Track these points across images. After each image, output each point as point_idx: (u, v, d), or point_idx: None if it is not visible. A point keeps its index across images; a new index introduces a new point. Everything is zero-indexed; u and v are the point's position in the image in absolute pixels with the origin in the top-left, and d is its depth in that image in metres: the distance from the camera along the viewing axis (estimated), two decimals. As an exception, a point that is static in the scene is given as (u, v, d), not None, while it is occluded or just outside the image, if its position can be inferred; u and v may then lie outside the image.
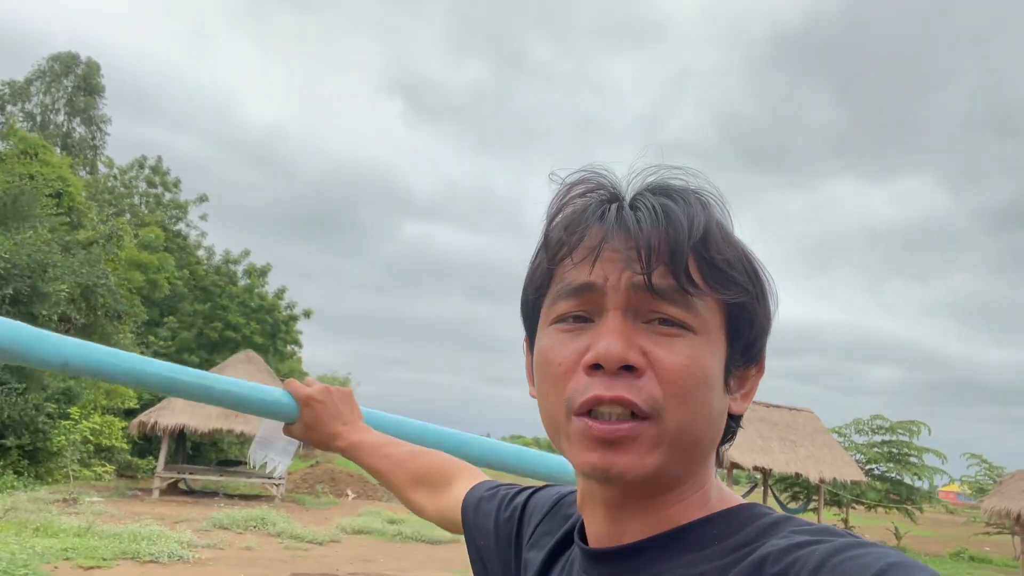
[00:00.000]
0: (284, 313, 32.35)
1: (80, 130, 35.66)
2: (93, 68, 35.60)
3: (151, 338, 26.01)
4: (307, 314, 33.79)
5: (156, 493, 17.06)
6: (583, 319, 0.62)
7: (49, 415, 17.04)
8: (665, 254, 0.60)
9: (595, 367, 0.59)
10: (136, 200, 33.57)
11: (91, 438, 17.50)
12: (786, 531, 0.58)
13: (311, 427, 1.16)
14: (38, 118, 33.97)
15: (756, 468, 19.83)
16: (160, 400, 20.13)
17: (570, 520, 0.77)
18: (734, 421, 0.68)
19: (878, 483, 23.09)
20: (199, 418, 17.60)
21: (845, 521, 22.08)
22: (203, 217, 35.26)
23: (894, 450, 23.67)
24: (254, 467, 1.12)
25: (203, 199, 35.28)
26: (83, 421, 17.09)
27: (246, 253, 32.74)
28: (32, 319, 16.96)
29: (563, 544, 0.75)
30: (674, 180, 0.65)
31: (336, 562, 10.41)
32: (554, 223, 0.65)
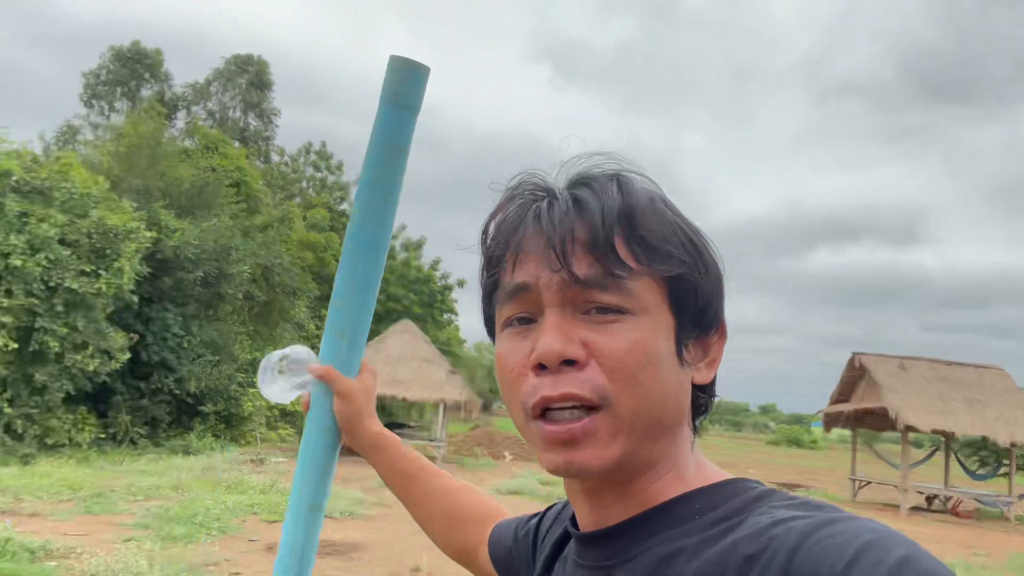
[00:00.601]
0: (439, 284, 33.80)
1: (254, 123, 38.82)
2: (263, 66, 38.55)
3: (324, 311, 28.24)
4: (460, 284, 35.04)
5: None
6: (528, 320, 0.64)
7: (240, 384, 19.05)
8: (585, 242, 0.61)
9: (541, 367, 0.61)
10: (304, 184, 36.23)
11: (268, 404, 19.39)
12: (768, 505, 0.58)
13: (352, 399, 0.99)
14: (217, 115, 37.37)
15: (935, 431, 18.31)
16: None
17: (569, 517, 0.80)
18: (703, 391, 0.68)
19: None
20: (366, 385, 18.93)
21: (1045, 489, 19.88)
22: (363, 196, 37.42)
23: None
24: (260, 387, 1.01)
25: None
26: (264, 389, 18.96)
27: (403, 228, 34.46)
28: (220, 298, 18.97)
29: (564, 539, 0.78)
30: (594, 168, 0.66)
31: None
32: (488, 232, 0.67)
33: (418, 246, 34.52)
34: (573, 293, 0.61)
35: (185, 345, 17.85)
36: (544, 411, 0.61)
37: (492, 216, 0.67)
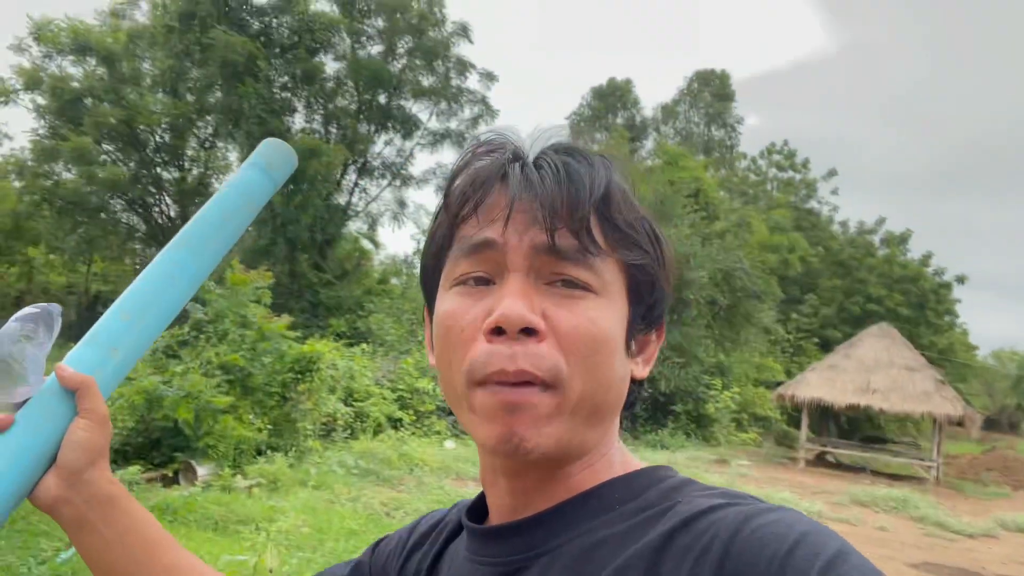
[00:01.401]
0: (932, 281, 29.43)
1: (718, 134, 39.78)
2: (724, 79, 39.35)
3: (792, 315, 27.14)
4: (960, 280, 29.97)
5: (802, 463, 17.71)
6: (484, 281, 0.61)
7: (706, 386, 19.59)
8: (567, 214, 0.58)
9: (496, 331, 0.57)
10: (768, 186, 35.57)
11: (739, 407, 19.37)
12: (690, 494, 0.57)
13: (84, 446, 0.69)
14: (683, 132, 39.34)
15: None
16: (799, 374, 20.86)
17: (456, 520, 0.74)
18: (637, 386, 0.66)
19: None
20: (834, 392, 17.57)
21: None
22: (834, 192, 35.01)
23: None
24: None
25: (832, 173, 35.05)
26: (724, 392, 19.09)
27: (881, 221, 31.06)
28: (684, 303, 19.84)
29: (449, 540, 0.73)
30: (575, 141, 0.64)
31: (984, 558, 9.05)
32: (456, 182, 0.63)
33: (902, 240, 30.67)
34: (542, 261, 0.59)
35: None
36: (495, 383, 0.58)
37: (460, 167, 0.64)
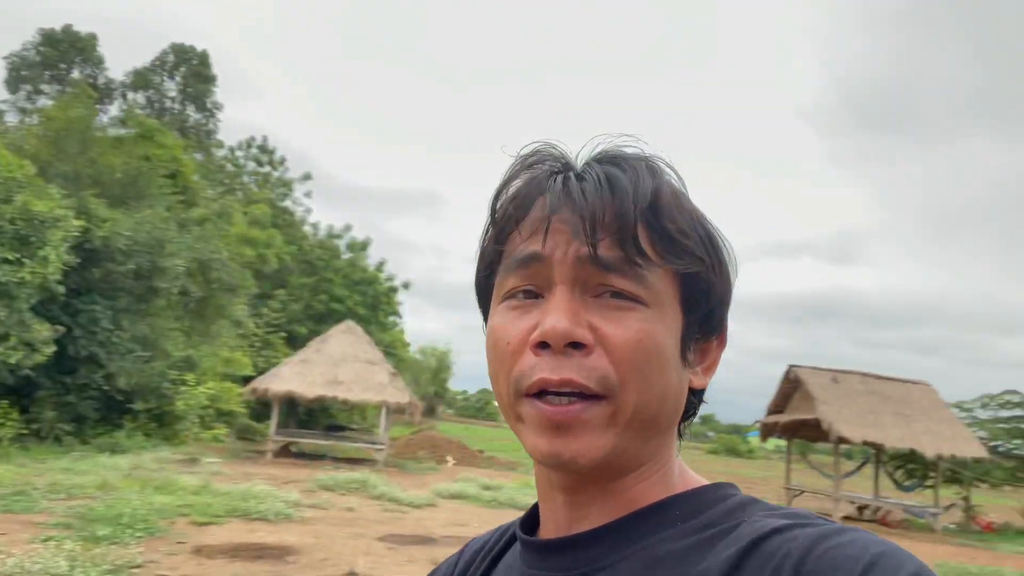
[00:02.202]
0: (384, 285, 33.36)
1: (195, 115, 37.72)
2: (205, 59, 37.50)
3: (264, 310, 27.47)
4: (406, 286, 34.75)
5: (269, 455, 18.07)
6: (533, 295, 0.60)
7: (172, 381, 18.31)
8: (612, 224, 0.57)
9: (542, 345, 0.57)
10: (245, 179, 35.32)
11: (209, 403, 18.68)
12: (756, 513, 0.56)
13: None
14: (156, 105, 36.17)
15: (866, 443, 18.87)
16: (271, 368, 21.24)
17: (508, 534, 0.73)
18: (696, 396, 0.65)
19: (1005, 461, 21.48)
20: (305, 385, 18.45)
21: (967, 499, 20.71)
22: (308, 194, 36.77)
23: (1023, 426, 21.92)
24: None
25: (307, 177, 36.74)
26: (197, 387, 18.24)
27: (348, 228, 33.90)
28: (153, 292, 18.22)
29: (496, 560, 0.71)
30: (626, 148, 0.63)
31: (431, 525, 10.70)
32: (501, 197, 0.63)
33: (363, 247, 34.00)
34: (587, 273, 0.58)
35: (115, 340, 17.05)
36: (540, 392, 0.57)
37: (506, 181, 0.63)
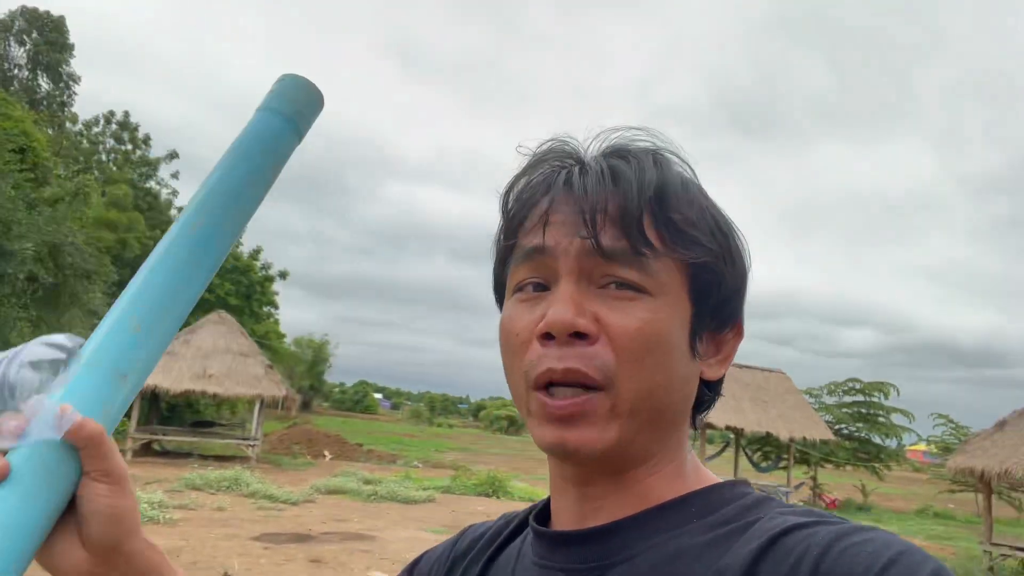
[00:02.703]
0: (260, 274, 32.00)
1: (46, 86, 34.54)
2: (61, 25, 34.36)
3: (122, 299, 25.58)
4: (283, 275, 33.50)
5: (129, 454, 16.95)
6: (542, 287, 0.61)
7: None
8: (615, 215, 0.58)
9: (548, 336, 0.58)
10: (104, 157, 32.75)
11: (61, 399, 17.27)
12: (772, 511, 0.57)
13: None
14: (2, 73, 32.83)
15: (728, 427, 20.12)
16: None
17: (514, 523, 0.74)
18: (709, 388, 0.65)
19: (847, 442, 23.56)
20: (171, 379, 17.43)
21: (814, 479, 22.55)
22: (175, 175, 34.59)
23: (863, 410, 24.13)
24: None
25: (173, 156, 34.54)
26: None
27: (219, 213, 32.21)
28: (-3, 278, 16.60)
29: (501, 548, 0.71)
30: (634, 141, 0.63)
31: (309, 522, 10.43)
32: (511, 194, 0.65)
33: (236, 233, 32.45)
34: (592, 263, 0.59)
35: (-52, 330, 15.41)
36: (547, 385, 0.58)
37: (517, 178, 0.65)
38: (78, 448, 0.52)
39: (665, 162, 0.62)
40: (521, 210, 0.63)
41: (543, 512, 0.69)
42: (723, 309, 0.63)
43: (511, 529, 0.73)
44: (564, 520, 0.64)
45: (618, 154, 0.62)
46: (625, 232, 0.58)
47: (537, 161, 0.65)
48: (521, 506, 0.77)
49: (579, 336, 0.57)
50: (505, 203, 0.65)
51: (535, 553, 0.65)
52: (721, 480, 0.64)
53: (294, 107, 0.69)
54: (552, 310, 0.58)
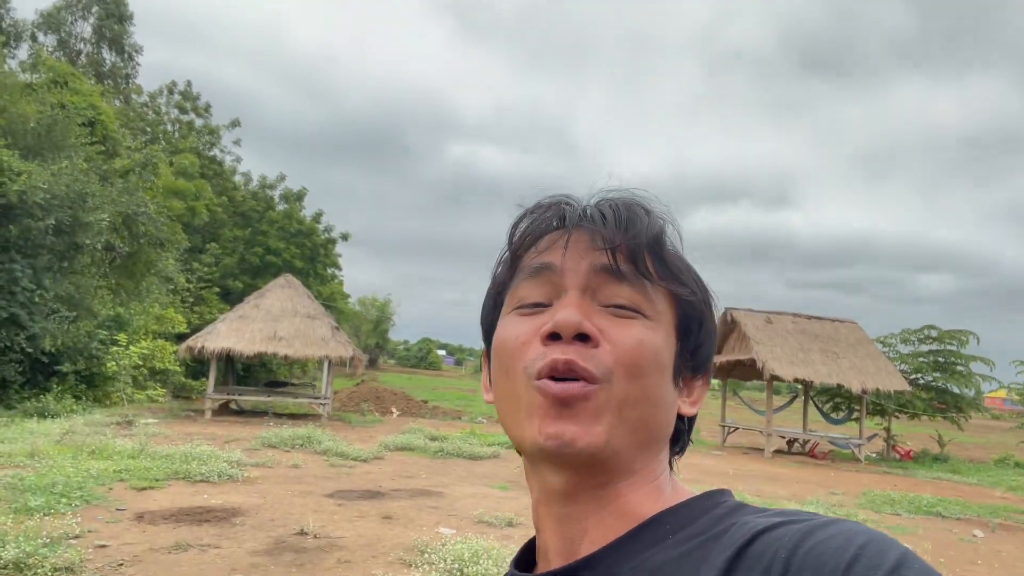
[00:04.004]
0: (322, 236, 32.61)
1: (111, 59, 35.48)
2: (119, -6, 35.04)
3: (195, 265, 26.54)
4: (344, 237, 34.04)
5: (208, 414, 17.71)
6: (543, 306, 0.64)
7: (102, 341, 17.63)
8: (624, 247, 0.63)
9: (552, 337, 0.61)
10: (168, 127, 33.63)
11: (141, 363, 18.08)
12: (742, 516, 0.58)
13: None
14: (70, 48, 33.85)
15: (797, 380, 19.70)
16: (207, 324, 20.64)
17: (513, 562, 0.74)
18: (684, 424, 0.69)
19: (923, 392, 22.79)
20: (243, 342, 18.02)
21: (888, 430, 21.95)
22: (236, 142, 35.30)
23: (941, 359, 23.22)
24: None
25: (235, 124, 35.21)
26: (131, 346, 17.59)
27: (281, 178, 32.83)
28: (76, 249, 17.37)
29: None
30: (634, 195, 0.68)
31: (379, 478, 10.72)
32: (519, 226, 0.68)
33: (299, 197, 33.04)
34: (599, 281, 0.63)
35: (37, 300, 16.24)
36: (550, 377, 0.60)
37: (522, 216, 0.69)
38: None
39: (665, 217, 0.67)
40: (532, 233, 0.67)
41: (526, 556, 0.71)
42: (699, 352, 0.68)
43: None
44: (552, 552, 0.65)
45: (627, 201, 0.67)
46: (632, 258, 0.64)
47: (544, 204, 0.68)
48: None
49: (583, 339, 0.60)
50: (512, 234, 0.68)
51: None
52: (696, 494, 0.66)
53: None
54: (561, 313, 0.61)
